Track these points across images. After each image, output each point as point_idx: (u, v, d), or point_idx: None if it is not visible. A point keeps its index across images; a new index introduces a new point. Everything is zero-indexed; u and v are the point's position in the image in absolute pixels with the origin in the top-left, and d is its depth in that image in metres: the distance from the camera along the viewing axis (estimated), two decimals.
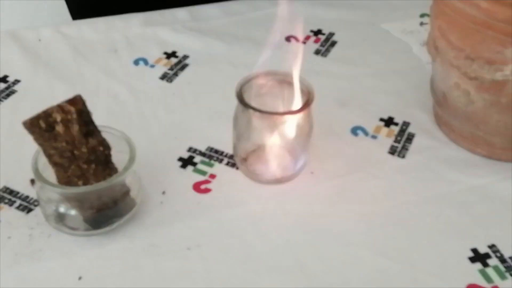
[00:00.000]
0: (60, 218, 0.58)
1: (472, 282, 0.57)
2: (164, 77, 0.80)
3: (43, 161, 0.57)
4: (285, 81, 0.63)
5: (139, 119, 0.73)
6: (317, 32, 0.90)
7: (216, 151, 0.69)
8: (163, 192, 0.64)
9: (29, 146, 0.58)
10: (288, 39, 0.87)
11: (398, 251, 0.59)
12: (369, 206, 0.63)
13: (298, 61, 0.59)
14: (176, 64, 0.82)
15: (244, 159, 0.65)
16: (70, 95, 0.57)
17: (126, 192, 0.59)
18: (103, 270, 0.57)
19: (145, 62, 0.83)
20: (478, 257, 0.59)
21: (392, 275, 0.57)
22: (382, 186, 0.66)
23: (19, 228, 0.60)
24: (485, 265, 0.58)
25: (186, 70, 0.82)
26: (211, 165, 0.67)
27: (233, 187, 0.65)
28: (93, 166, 0.57)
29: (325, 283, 0.56)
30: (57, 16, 1.15)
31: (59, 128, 0.56)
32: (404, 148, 0.70)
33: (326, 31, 0.90)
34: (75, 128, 0.56)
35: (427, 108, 0.76)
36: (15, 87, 0.77)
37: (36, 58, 0.82)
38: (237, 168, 0.67)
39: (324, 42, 0.88)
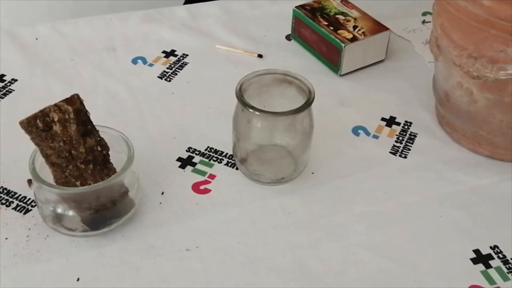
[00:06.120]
0: (58, 219, 0.58)
1: (474, 284, 0.56)
2: (162, 76, 0.80)
3: (40, 161, 0.57)
4: (285, 80, 0.63)
5: (137, 118, 0.73)
6: None
7: (216, 151, 0.68)
8: (162, 193, 0.63)
9: (26, 146, 0.57)
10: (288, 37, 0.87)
11: (400, 252, 0.59)
12: (370, 207, 0.63)
13: None
14: (175, 62, 0.82)
15: (244, 159, 0.65)
16: (67, 94, 0.57)
17: (124, 193, 0.59)
18: (101, 271, 0.56)
19: (144, 60, 0.82)
20: (480, 258, 0.58)
21: (394, 276, 0.57)
22: (384, 186, 0.65)
23: (16, 229, 0.59)
24: (488, 266, 0.58)
25: (185, 69, 0.81)
26: (210, 165, 0.67)
27: (233, 188, 0.64)
28: (91, 166, 0.57)
29: (326, 284, 0.56)
30: (54, 13, 1.14)
31: (56, 127, 0.56)
32: (406, 148, 0.70)
33: None
34: (72, 127, 0.56)
35: (429, 108, 0.75)
36: (12, 86, 0.77)
37: (33, 56, 0.81)
38: (237, 169, 0.66)
39: None
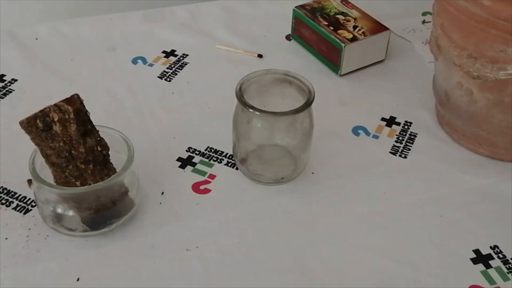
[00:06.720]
0: (58, 219, 0.58)
1: (474, 284, 0.56)
2: (162, 76, 0.80)
3: (40, 161, 0.57)
4: (285, 80, 0.63)
5: (137, 118, 0.73)
6: None
7: (216, 151, 0.69)
8: (162, 193, 0.63)
9: (26, 146, 0.57)
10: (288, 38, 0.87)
11: (400, 252, 0.59)
12: (370, 207, 0.63)
13: None
14: (175, 62, 0.82)
15: (244, 159, 0.65)
16: (67, 94, 0.57)
17: (124, 193, 0.59)
18: (101, 271, 0.56)
19: (144, 61, 0.82)
20: (480, 258, 0.59)
21: (394, 276, 0.57)
22: (384, 186, 0.65)
23: (16, 229, 0.59)
24: (488, 266, 0.58)
25: (185, 69, 0.81)
26: (210, 165, 0.67)
27: (233, 188, 0.64)
28: (91, 166, 0.57)
29: (326, 284, 0.56)
30: (54, 13, 1.14)
31: (56, 127, 0.56)
32: (406, 148, 0.70)
33: None
34: (72, 127, 0.56)
35: (430, 108, 0.75)
36: (12, 86, 0.77)
37: (33, 56, 0.81)
38: (237, 169, 0.66)
39: None
